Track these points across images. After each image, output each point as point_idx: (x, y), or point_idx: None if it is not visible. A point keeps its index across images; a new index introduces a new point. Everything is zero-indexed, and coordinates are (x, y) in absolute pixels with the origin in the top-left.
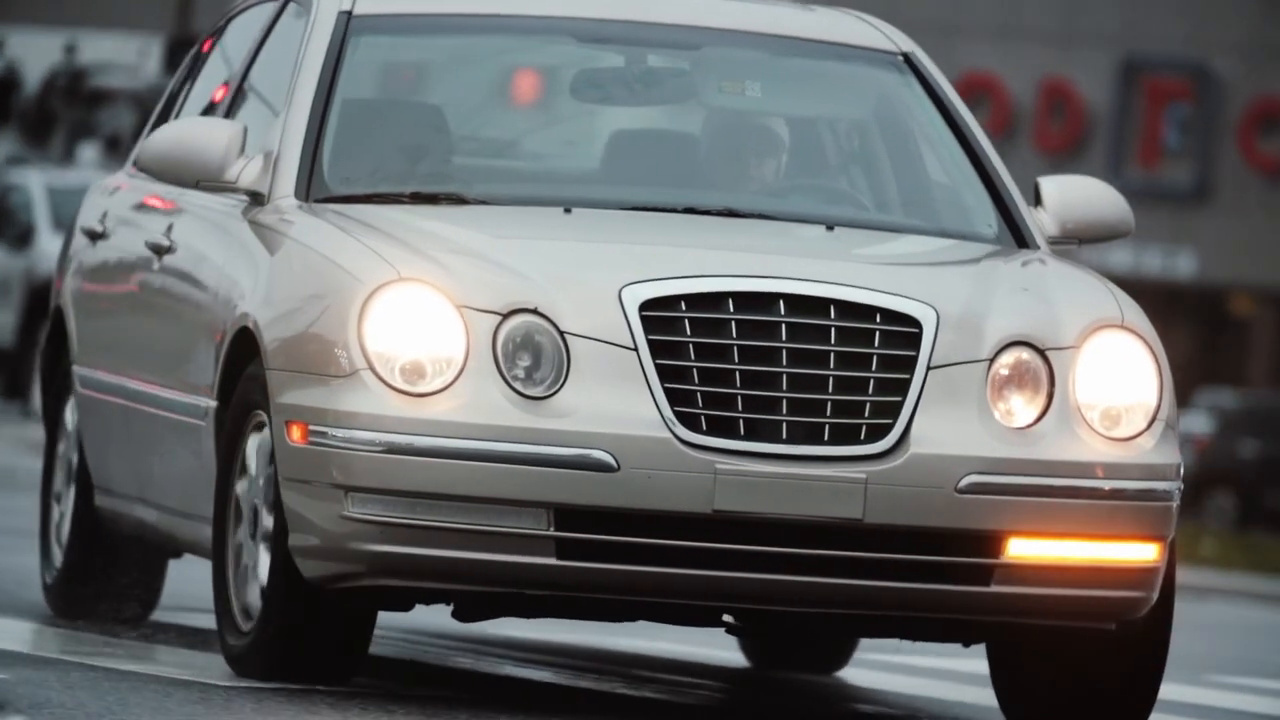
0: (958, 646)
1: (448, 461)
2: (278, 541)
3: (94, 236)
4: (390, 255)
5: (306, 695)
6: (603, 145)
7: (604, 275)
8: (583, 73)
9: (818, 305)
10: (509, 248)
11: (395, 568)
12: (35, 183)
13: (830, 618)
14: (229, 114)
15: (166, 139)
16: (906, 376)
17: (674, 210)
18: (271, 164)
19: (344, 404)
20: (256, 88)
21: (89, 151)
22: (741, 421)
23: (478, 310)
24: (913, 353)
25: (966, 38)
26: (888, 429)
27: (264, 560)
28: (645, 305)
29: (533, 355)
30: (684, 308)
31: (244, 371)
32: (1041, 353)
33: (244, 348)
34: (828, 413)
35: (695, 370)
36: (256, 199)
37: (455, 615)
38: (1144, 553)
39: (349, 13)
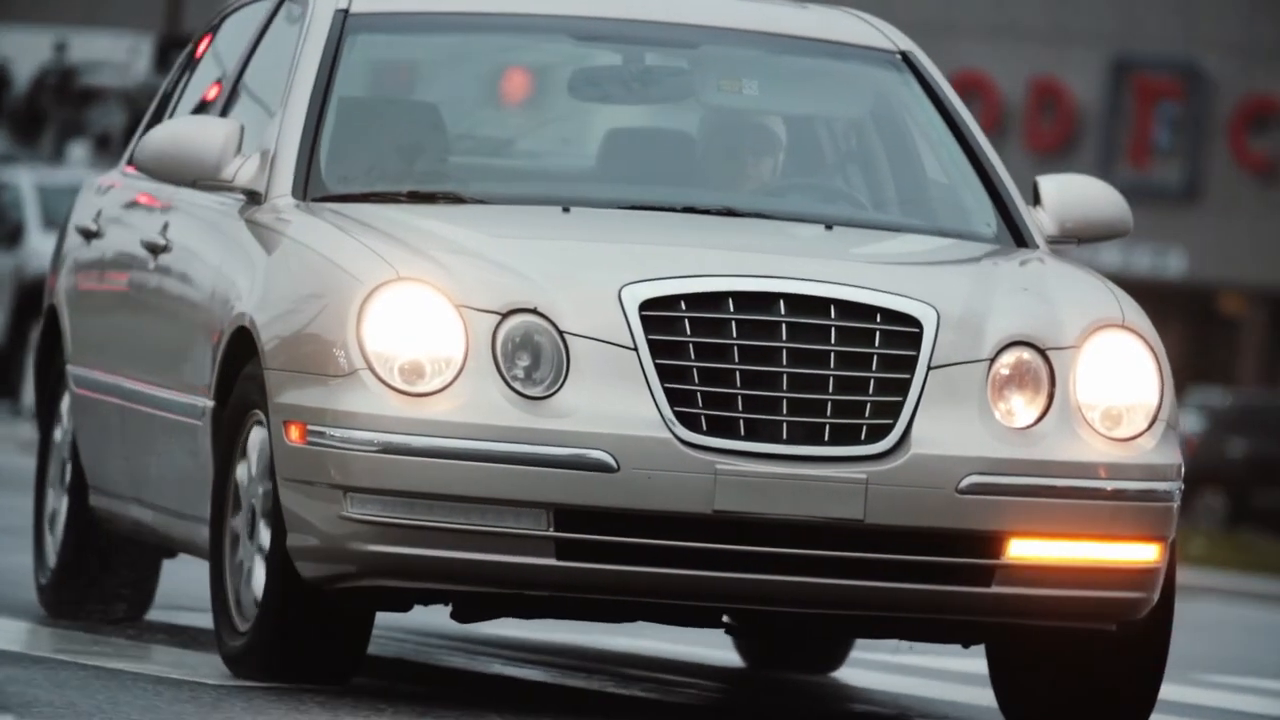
0: (955, 646)
1: (447, 462)
2: (276, 542)
3: (88, 235)
4: (389, 255)
5: (296, 694)
6: (600, 144)
7: (604, 275)
8: (580, 71)
9: (818, 305)
10: (508, 247)
11: (394, 568)
12: (25, 181)
13: (830, 618)
14: (224, 113)
15: (163, 138)
16: (907, 376)
17: (673, 209)
18: (268, 163)
19: (343, 404)
20: (252, 86)
21: (79, 150)
22: (742, 422)
23: (477, 310)
24: (913, 353)
25: (957, 36)
26: (888, 429)
27: (262, 560)
28: (645, 305)
29: (532, 355)
30: (684, 307)
31: (241, 371)
32: (1042, 352)
33: (241, 347)
34: (828, 413)
35: (695, 370)
36: (253, 198)
37: (454, 616)
38: (1145, 553)
39: (345, 11)
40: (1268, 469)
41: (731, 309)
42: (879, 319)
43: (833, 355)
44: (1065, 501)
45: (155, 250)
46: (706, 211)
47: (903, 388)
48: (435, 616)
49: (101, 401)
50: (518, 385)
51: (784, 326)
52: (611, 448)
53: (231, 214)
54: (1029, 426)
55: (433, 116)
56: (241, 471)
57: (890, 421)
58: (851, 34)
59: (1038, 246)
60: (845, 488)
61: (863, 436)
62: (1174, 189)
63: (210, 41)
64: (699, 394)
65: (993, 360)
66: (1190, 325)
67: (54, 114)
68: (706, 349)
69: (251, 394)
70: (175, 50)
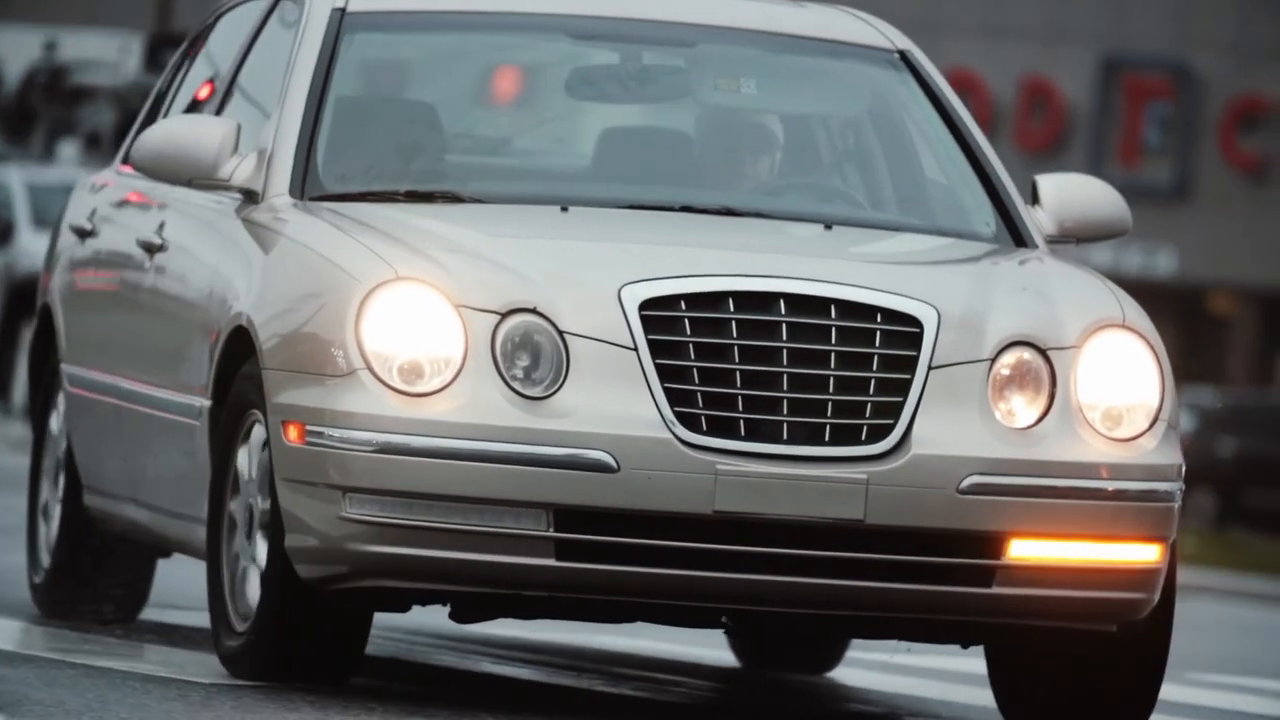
0: (953, 646)
1: (446, 462)
2: (274, 542)
3: (83, 234)
4: (388, 254)
5: (286, 692)
6: (598, 144)
7: (603, 275)
8: (578, 70)
9: (818, 305)
10: (507, 247)
11: (393, 569)
12: (15, 180)
13: (831, 619)
14: (220, 112)
15: (160, 136)
16: (907, 376)
17: (671, 209)
18: (265, 162)
19: (341, 404)
20: (249, 85)
21: (69, 149)
22: (742, 422)
23: (476, 310)
24: (914, 353)
25: (948, 35)
26: (889, 429)
27: (260, 561)
28: (645, 305)
29: (531, 355)
30: (684, 307)
31: (239, 371)
32: (1043, 352)
33: (239, 347)
34: (828, 413)
35: (695, 370)
36: (250, 197)
37: (452, 616)
38: (1146, 554)
39: (342, 10)
40: (1258, 468)
41: (732, 309)
42: (879, 319)
43: (833, 355)
44: (1066, 502)
45: (151, 249)
46: (705, 211)
47: (903, 388)
48: (426, 615)
49: (97, 401)
50: (517, 385)
51: (784, 326)
52: (611, 448)
53: (228, 213)
54: (1030, 427)
55: (430, 116)
56: (239, 471)
57: (891, 422)
58: (849, 33)
59: (1037, 246)
60: (846, 488)
61: (863, 437)
62: (1164, 188)
63: (205, 40)
64: (699, 394)
65: (993, 360)
66: (1181, 325)
67: (44, 113)
68: (706, 349)
69: (249, 394)
70: (165, 49)
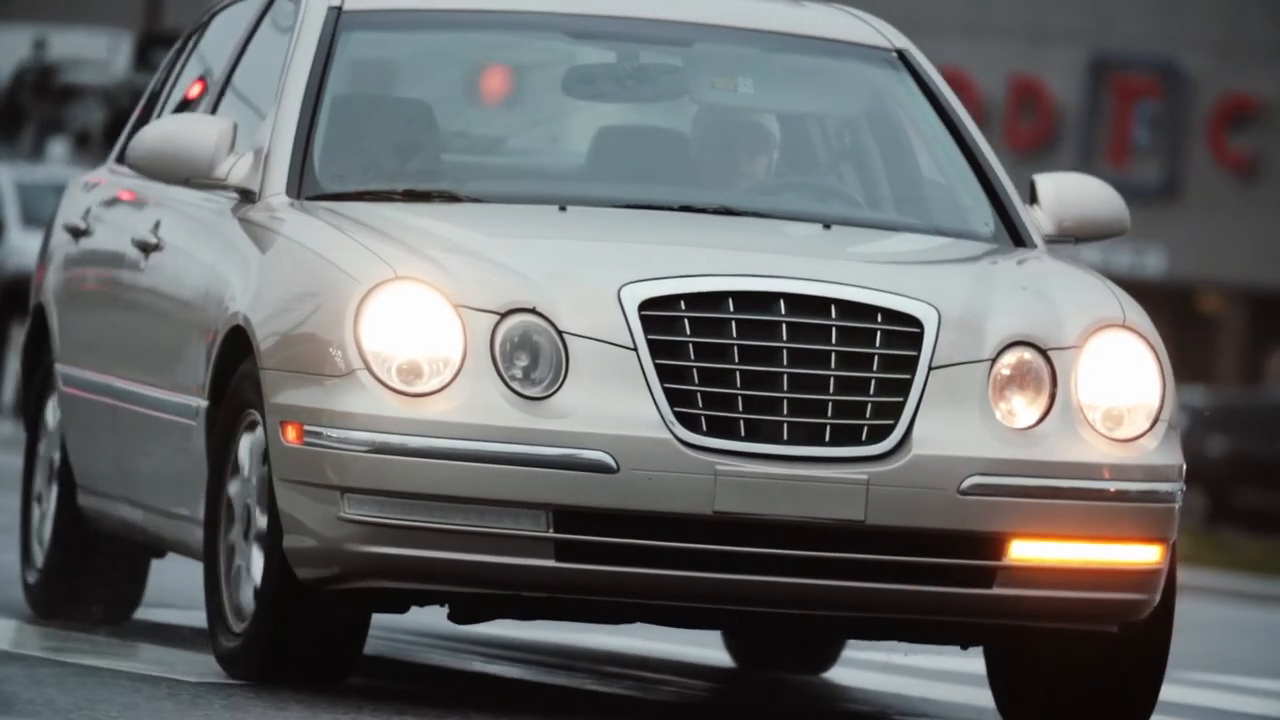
0: (951, 646)
1: (445, 462)
2: (272, 543)
3: (76, 233)
4: (386, 254)
5: (275, 691)
6: (596, 143)
7: (602, 274)
8: (574, 69)
9: (819, 305)
10: (505, 246)
11: (392, 569)
12: (4, 178)
13: (831, 620)
14: (215, 111)
15: (156, 136)
16: (908, 377)
17: (669, 208)
18: (262, 161)
19: (340, 404)
20: (244, 84)
21: (58, 147)
22: (742, 422)
23: (475, 310)
24: (914, 353)
25: (936, 34)
26: (889, 430)
27: (257, 561)
28: (645, 305)
29: (531, 355)
30: (684, 307)
31: (236, 371)
32: (1043, 353)
33: (236, 347)
34: (829, 413)
35: (695, 370)
36: (247, 196)
37: (451, 617)
38: (1146, 555)
39: (339, 8)
40: (1248, 468)
41: (731, 309)
42: (880, 319)
43: (833, 355)
44: (1067, 503)
45: (146, 249)
46: (703, 210)
47: (903, 388)
48: (415, 614)
49: (91, 400)
50: (516, 385)
51: (784, 326)
52: (611, 448)
53: (224, 213)
54: (1030, 427)
55: (427, 115)
56: (236, 472)
57: (891, 422)
58: (847, 32)
59: (1036, 246)
60: (846, 489)
61: (863, 437)
62: (1153, 188)
63: (200, 39)
64: (699, 394)
65: (994, 360)
66: (1170, 324)
67: (33, 111)
68: (706, 349)
69: (247, 394)
70: (155, 48)
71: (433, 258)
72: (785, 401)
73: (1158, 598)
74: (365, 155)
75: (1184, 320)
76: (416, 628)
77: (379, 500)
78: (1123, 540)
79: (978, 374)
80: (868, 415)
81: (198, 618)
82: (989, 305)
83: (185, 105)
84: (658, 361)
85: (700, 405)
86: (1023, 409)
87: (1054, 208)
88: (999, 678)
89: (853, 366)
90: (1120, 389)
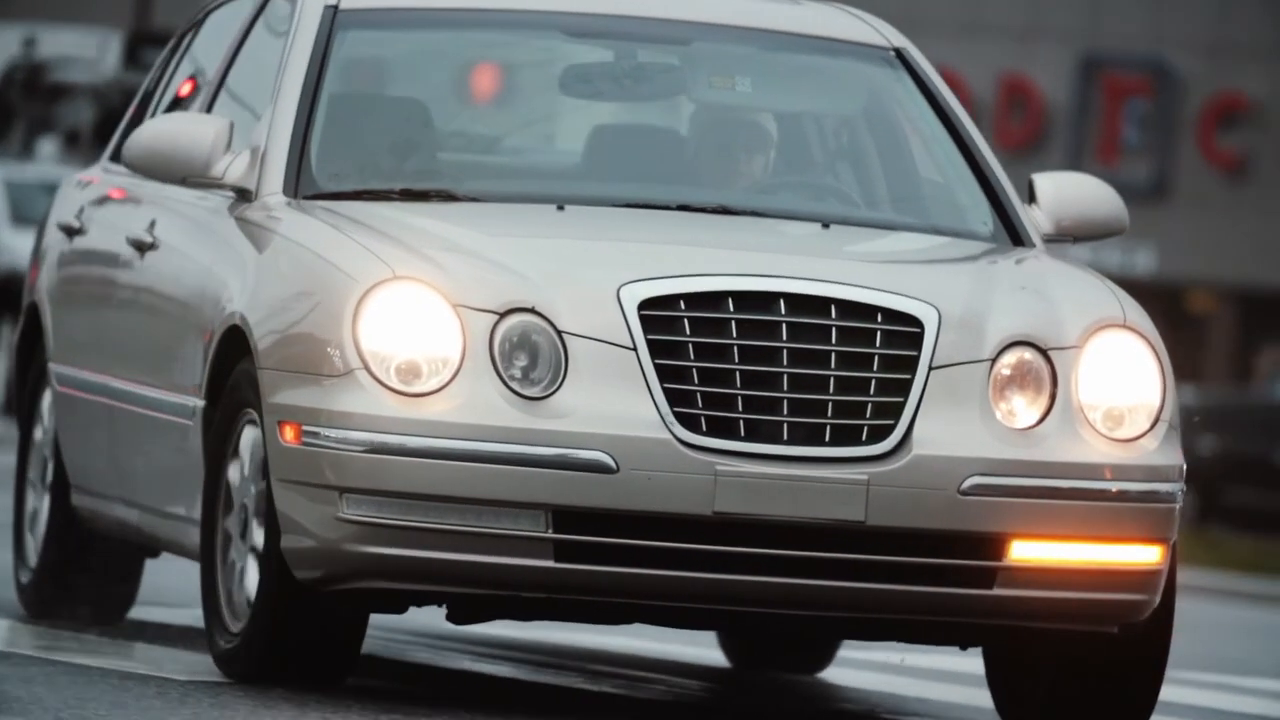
0: (948, 646)
1: (444, 462)
2: (269, 543)
3: (70, 232)
4: (384, 253)
5: (264, 689)
6: (593, 142)
7: (602, 274)
8: (572, 68)
9: (819, 305)
10: (504, 246)
11: (390, 570)
12: None
13: (831, 621)
14: (210, 110)
15: (152, 135)
16: (908, 377)
17: (667, 207)
18: (258, 160)
19: (338, 404)
20: (240, 83)
21: (48, 146)
22: (742, 422)
23: (474, 309)
24: (914, 353)
25: (926, 33)
26: (889, 430)
27: (254, 562)
28: (644, 304)
29: (530, 355)
30: (683, 307)
31: (233, 370)
32: (1044, 352)
33: (233, 346)
34: (829, 413)
35: (695, 370)
36: (243, 196)
37: (450, 618)
38: (1147, 555)
39: (335, 7)
40: (1237, 467)
41: (731, 309)
42: (880, 319)
43: (833, 355)
44: (1067, 503)
45: (142, 248)
46: (701, 209)
47: (904, 388)
48: (406, 612)
49: (86, 400)
50: (515, 385)
51: (784, 326)
52: (610, 448)
53: (221, 212)
54: (1031, 427)
55: (424, 114)
56: (233, 472)
57: (891, 422)
58: (845, 30)
59: (1034, 245)
60: (846, 489)
61: (864, 437)
62: (1143, 186)
63: (194, 38)
64: (699, 394)
65: (994, 360)
66: (1159, 323)
67: (23, 110)
68: (706, 349)
69: (244, 393)
70: (145, 46)
71: (431, 257)
72: (785, 401)
73: (1158, 598)
74: (362, 154)
75: (1173, 319)
76: (405, 626)
77: (377, 500)
78: (1123, 541)
79: (978, 374)
80: (868, 415)
81: (187, 616)
82: (989, 305)
83: (176, 104)
84: (657, 361)
85: (700, 405)
86: (1023, 409)
87: (1052, 207)
88: (998, 678)
89: (853, 366)
90: (1121, 389)
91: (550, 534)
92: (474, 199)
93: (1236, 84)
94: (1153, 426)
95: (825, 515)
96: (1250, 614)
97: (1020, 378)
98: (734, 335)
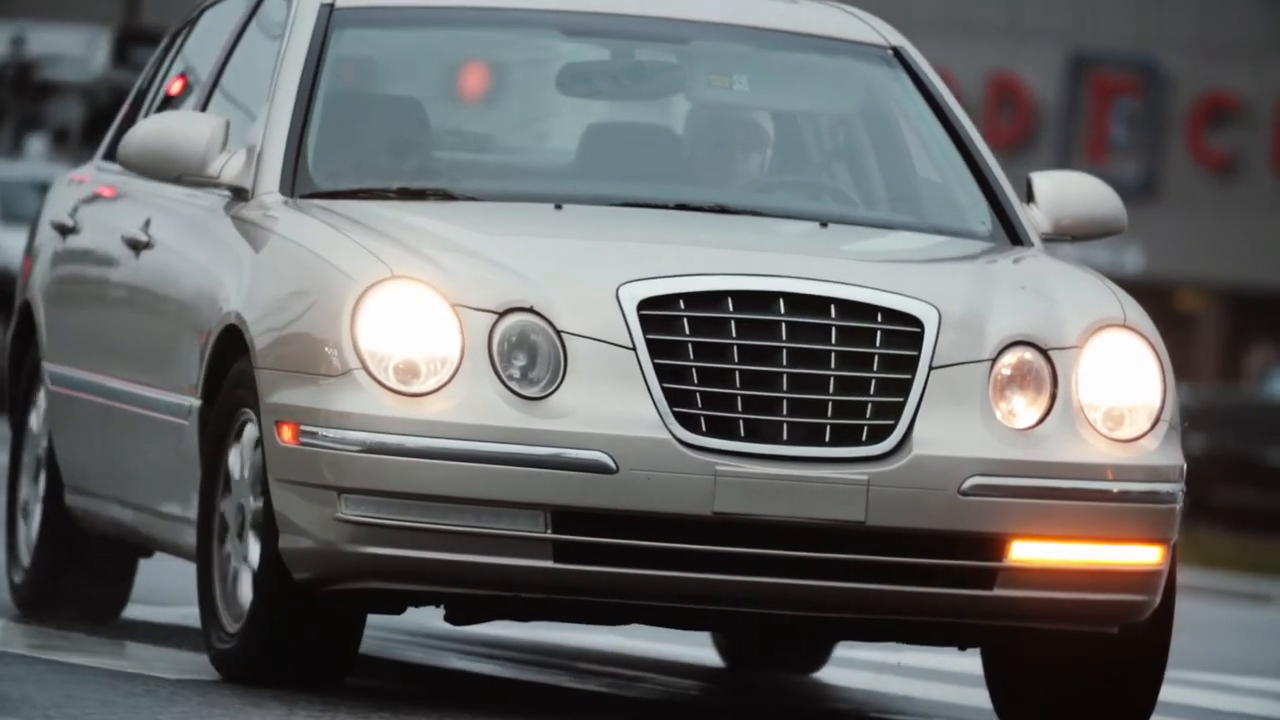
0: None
1: (442, 463)
2: (267, 543)
3: (64, 231)
4: (383, 253)
5: (252, 688)
6: (591, 141)
7: (601, 273)
8: (569, 67)
9: (818, 304)
10: (502, 245)
11: (389, 570)
12: None
13: (831, 621)
14: (204, 108)
15: (147, 133)
16: (908, 377)
17: (665, 206)
18: (254, 159)
19: (336, 404)
20: (235, 81)
21: (37, 144)
22: (741, 422)
23: (473, 309)
24: (914, 352)
25: (915, 31)
26: (889, 430)
27: (252, 562)
28: (643, 304)
29: (529, 355)
30: (683, 306)
31: (230, 370)
32: (1044, 352)
33: (230, 346)
34: (829, 414)
35: (694, 370)
36: (239, 194)
37: (448, 618)
38: (1148, 556)
39: (331, 5)
40: (1227, 466)
41: (731, 308)
42: (880, 319)
43: (833, 355)
44: (1068, 503)
45: (137, 247)
46: (699, 209)
47: (904, 388)
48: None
49: (80, 399)
50: (514, 385)
51: (784, 326)
52: (610, 448)
53: (216, 211)
54: (1031, 427)
55: (420, 112)
56: (231, 472)
57: (891, 422)
58: (842, 29)
59: (1033, 244)
60: (846, 489)
61: (864, 437)
62: (1131, 185)
63: (188, 36)
64: (698, 394)
65: (994, 360)
66: None
67: (12, 108)
68: (706, 349)
69: (241, 393)
70: (133, 45)
71: (430, 256)
72: (785, 401)
73: (1159, 599)
74: (359, 153)
75: (1162, 319)
76: (393, 624)
77: (376, 501)
78: (1124, 541)
79: (978, 374)
80: (868, 415)
81: (177, 615)
82: (989, 305)
83: (166, 102)
84: (657, 361)
85: (699, 405)
86: (1023, 409)
87: (1051, 206)
88: (997, 678)
89: (853, 366)
90: (1121, 389)
91: (549, 534)
92: (471, 198)
93: (1225, 83)
94: (1153, 426)
95: (825, 515)
96: (1241, 613)
97: (1020, 378)
98: (733, 335)
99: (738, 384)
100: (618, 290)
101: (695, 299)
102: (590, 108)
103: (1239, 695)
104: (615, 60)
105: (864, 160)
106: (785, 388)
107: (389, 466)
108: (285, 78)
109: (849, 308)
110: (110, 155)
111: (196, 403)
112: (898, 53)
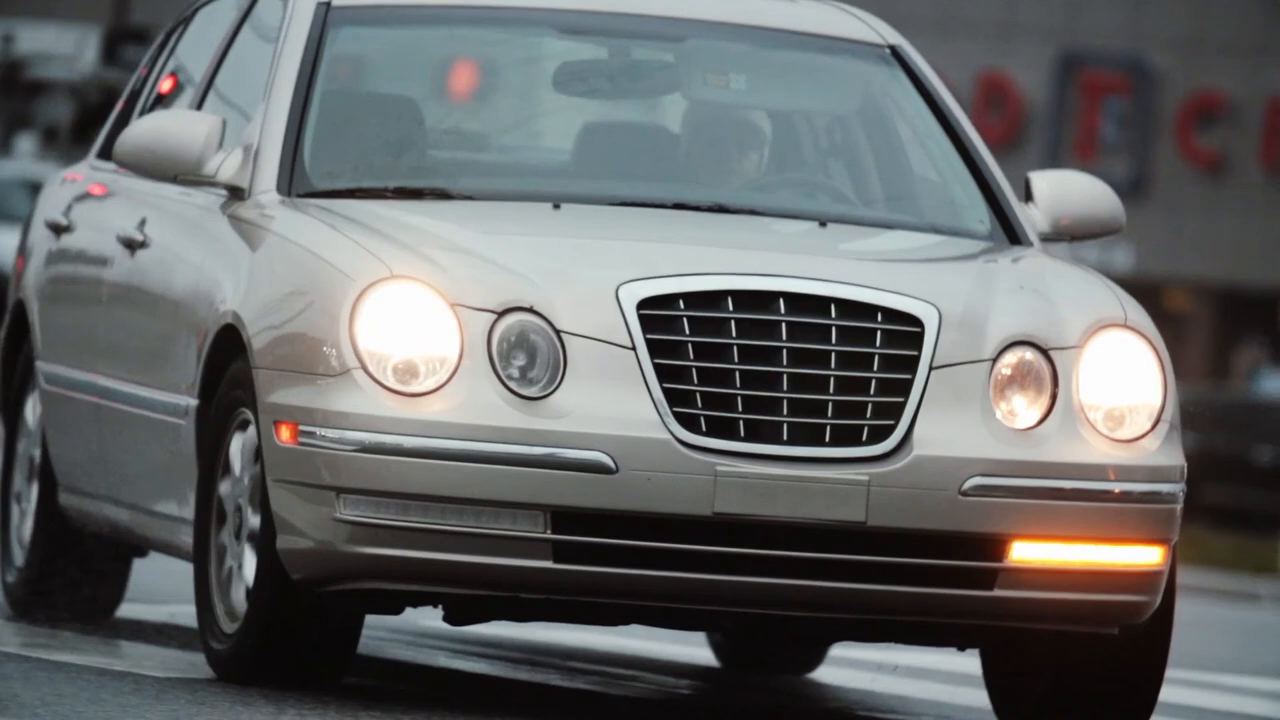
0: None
1: (441, 463)
2: (265, 543)
3: (58, 230)
4: (381, 252)
5: (241, 686)
6: (588, 140)
7: (600, 273)
8: (566, 65)
9: (819, 304)
10: (501, 244)
11: (387, 571)
12: None
13: (831, 622)
14: (200, 106)
15: (144, 132)
16: (909, 377)
17: (663, 205)
18: (251, 158)
19: (335, 404)
20: (231, 80)
21: (26, 143)
22: (742, 422)
23: (472, 309)
24: (915, 352)
25: (904, 30)
26: (890, 430)
27: (249, 562)
28: (643, 304)
29: (528, 354)
30: (683, 306)
31: (227, 369)
32: (1044, 352)
33: (227, 345)
34: (829, 414)
35: (694, 370)
36: (236, 193)
37: (446, 618)
38: (1148, 556)
39: (327, 4)
40: (1216, 464)
41: (731, 308)
42: (880, 318)
43: (833, 355)
44: (1069, 504)
45: (132, 246)
46: (697, 208)
47: (904, 388)
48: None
49: (74, 399)
50: (513, 385)
51: (784, 326)
52: (610, 449)
53: (213, 210)
54: (1032, 428)
55: (418, 111)
56: (228, 471)
57: (892, 422)
58: (840, 28)
59: (1032, 244)
60: (847, 489)
61: (864, 438)
62: (1121, 185)
63: (183, 34)
64: (698, 394)
65: (995, 360)
66: None
67: (1, 106)
68: (705, 348)
69: (239, 393)
70: (122, 43)
71: (428, 256)
72: (785, 401)
73: (1159, 599)
74: (356, 152)
75: (1151, 317)
76: (382, 623)
77: (374, 501)
78: (1125, 542)
79: (979, 374)
80: (868, 415)
81: (166, 613)
82: (989, 304)
83: (157, 101)
84: (656, 361)
85: (699, 405)
86: (1024, 409)
87: (1049, 206)
88: (996, 679)
89: (853, 366)
90: (1122, 389)
91: (549, 535)
92: (469, 197)
93: (1214, 82)
94: (1154, 427)
95: (825, 516)
96: (1233, 613)
97: (1021, 378)
98: (733, 335)
99: (738, 384)
100: (617, 290)
101: (695, 299)
102: (587, 107)
103: (1234, 695)
104: (612, 59)
105: (862, 159)
106: (785, 388)
107: (388, 467)
108: (281, 76)
109: (849, 307)
110: (104, 154)
111: (193, 402)
112: (895, 51)
